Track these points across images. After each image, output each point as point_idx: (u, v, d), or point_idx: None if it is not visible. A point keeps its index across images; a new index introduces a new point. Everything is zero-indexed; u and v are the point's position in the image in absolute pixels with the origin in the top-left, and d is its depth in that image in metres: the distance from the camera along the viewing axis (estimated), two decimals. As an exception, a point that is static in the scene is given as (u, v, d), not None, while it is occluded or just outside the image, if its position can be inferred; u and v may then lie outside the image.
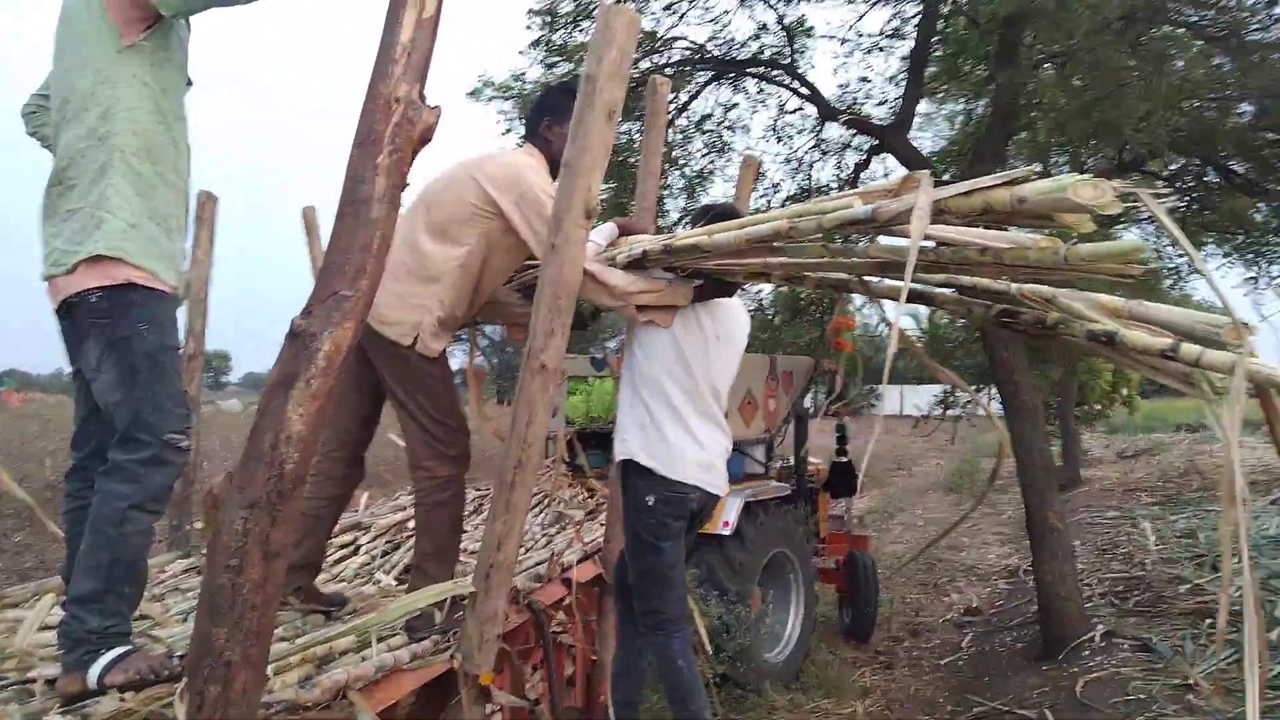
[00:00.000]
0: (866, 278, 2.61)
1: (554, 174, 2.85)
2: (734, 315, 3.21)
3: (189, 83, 2.36)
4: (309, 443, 1.71)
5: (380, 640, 2.47)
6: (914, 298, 2.59)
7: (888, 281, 2.63)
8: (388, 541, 4.08)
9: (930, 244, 2.08)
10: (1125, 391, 16.68)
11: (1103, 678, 4.85)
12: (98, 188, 2.12)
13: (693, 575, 5.08)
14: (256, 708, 1.69)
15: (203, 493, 1.73)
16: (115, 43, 2.13)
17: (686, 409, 2.99)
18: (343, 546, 4.02)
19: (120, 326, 2.11)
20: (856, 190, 2.46)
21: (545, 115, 3.17)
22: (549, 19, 7.35)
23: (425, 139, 1.94)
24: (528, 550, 4.01)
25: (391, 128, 1.87)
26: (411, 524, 4.44)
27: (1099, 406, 16.40)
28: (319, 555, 3.19)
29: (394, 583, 3.57)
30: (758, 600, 5.77)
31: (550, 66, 7.60)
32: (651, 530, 2.95)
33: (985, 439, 20.08)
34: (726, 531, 5.49)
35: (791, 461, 6.92)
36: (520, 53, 7.65)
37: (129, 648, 2.06)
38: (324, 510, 3.07)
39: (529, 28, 7.54)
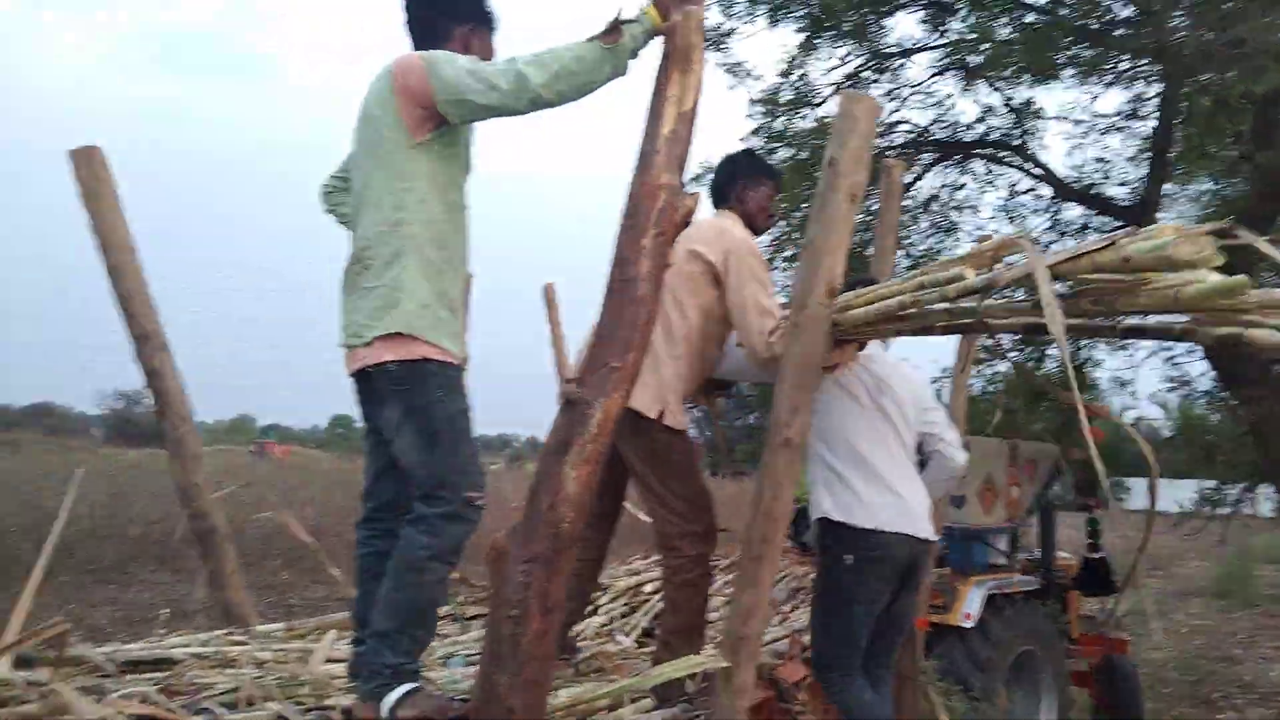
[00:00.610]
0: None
1: (754, 232, 3.11)
2: (886, 362, 3.23)
3: (469, 170, 2.57)
4: (582, 503, 1.84)
5: (632, 702, 2.53)
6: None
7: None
8: (625, 604, 4.18)
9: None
10: None
11: None
12: (392, 271, 2.34)
13: (935, 665, 4.84)
14: (534, 753, 1.79)
15: (485, 550, 1.88)
16: (408, 140, 2.36)
17: (874, 457, 2.99)
18: (582, 609, 4.16)
19: (418, 395, 2.32)
20: (961, 257, 2.67)
21: (739, 178, 3.24)
22: (770, 107, 7.58)
23: (685, 222, 2.08)
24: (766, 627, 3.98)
25: (655, 212, 2.02)
26: (647, 588, 4.57)
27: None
28: (576, 616, 3.38)
29: (634, 645, 3.66)
30: (1004, 700, 5.39)
31: (771, 152, 7.80)
32: (849, 589, 2.93)
33: (1259, 541, 17.93)
34: (968, 624, 5.20)
35: (1038, 554, 6.48)
36: (740, 140, 7.91)
37: (416, 685, 2.24)
38: (584, 570, 3.18)
39: (749, 116, 7.82)
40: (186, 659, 2.72)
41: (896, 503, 2.95)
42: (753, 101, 7.66)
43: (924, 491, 3.12)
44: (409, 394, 2.32)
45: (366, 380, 2.41)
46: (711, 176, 3.43)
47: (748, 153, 3.58)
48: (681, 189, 2.07)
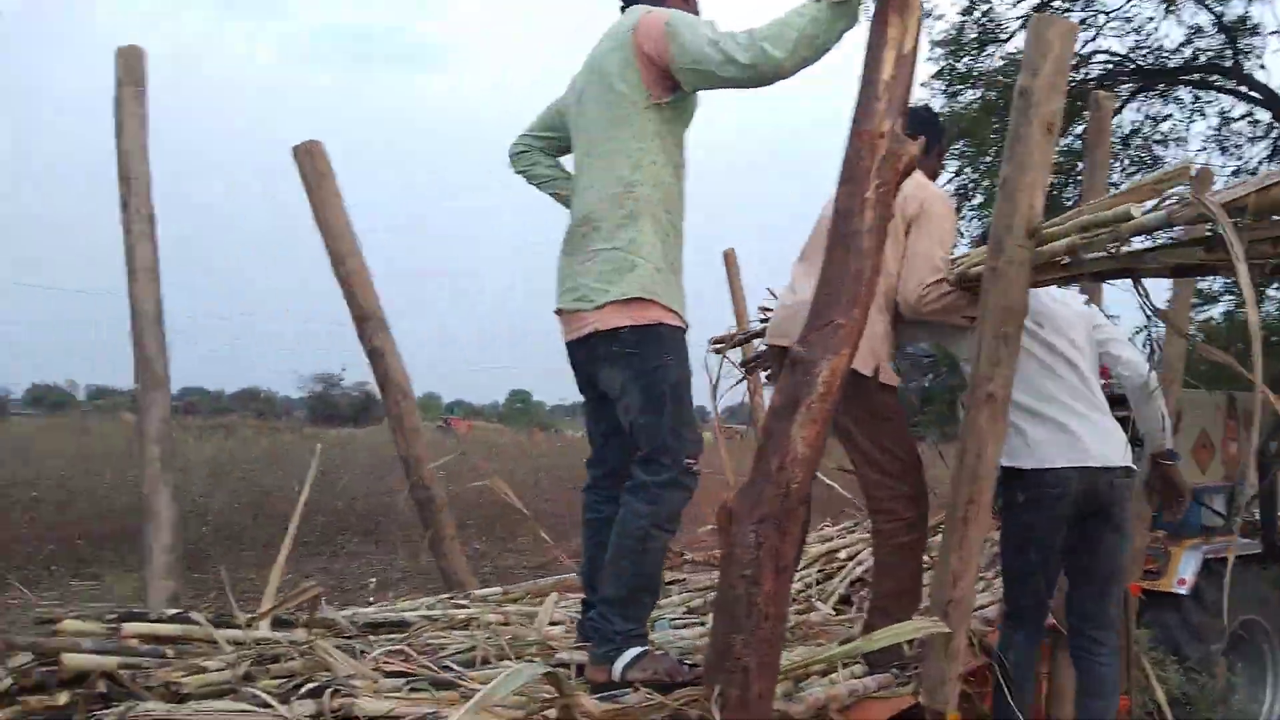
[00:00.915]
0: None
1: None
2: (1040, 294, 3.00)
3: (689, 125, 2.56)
4: (811, 463, 1.81)
5: (845, 667, 2.51)
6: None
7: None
8: (820, 570, 4.14)
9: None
10: None
11: None
12: (627, 233, 2.35)
13: (1147, 634, 4.58)
14: (770, 712, 1.79)
15: (716, 510, 1.88)
16: (646, 100, 2.35)
17: (1040, 395, 2.96)
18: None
19: (650, 358, 2.34)
20: (1120, 193, 2.58)
21: (925, 135, 3.08)
22: (955, 48, 7.21)
23: (908, 171, 1.98)
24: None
25: (878, 162, 1.94)
26: (841, 554, 4.52)
27: None
28: None
29: (832, 612, 3.63)
30: (1223, 672, 5.05)
31: (953, 95, 7.44)
32: (1022, 532, 3.00)
33: None
34: (1183, 590, 4.89)
35: (1259, 515, 6.00)
36: (922, 84, 7.57)
37: (645, 648, 2.30)
38: None
39: (931, 59, 7.47)
40: (420, 621, 2.89)
41: (1062, 437, 2.93)
42: (934, 43, 7.31)
43: (1106, 420, 3.05)
44: (640, 358, 2.34)
45: (587, 343, 2.42)
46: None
47: (928, 109, 3.66)
48: (903, 136, 1.97)
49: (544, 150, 2.71)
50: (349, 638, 2.51)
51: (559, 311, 2.50)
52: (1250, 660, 5.35)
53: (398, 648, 2.38)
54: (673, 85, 2.36)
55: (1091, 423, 3.00)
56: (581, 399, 2.73)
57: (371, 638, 2.59)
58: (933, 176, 3.19)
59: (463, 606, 3.19)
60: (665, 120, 2.39)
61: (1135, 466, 3.15)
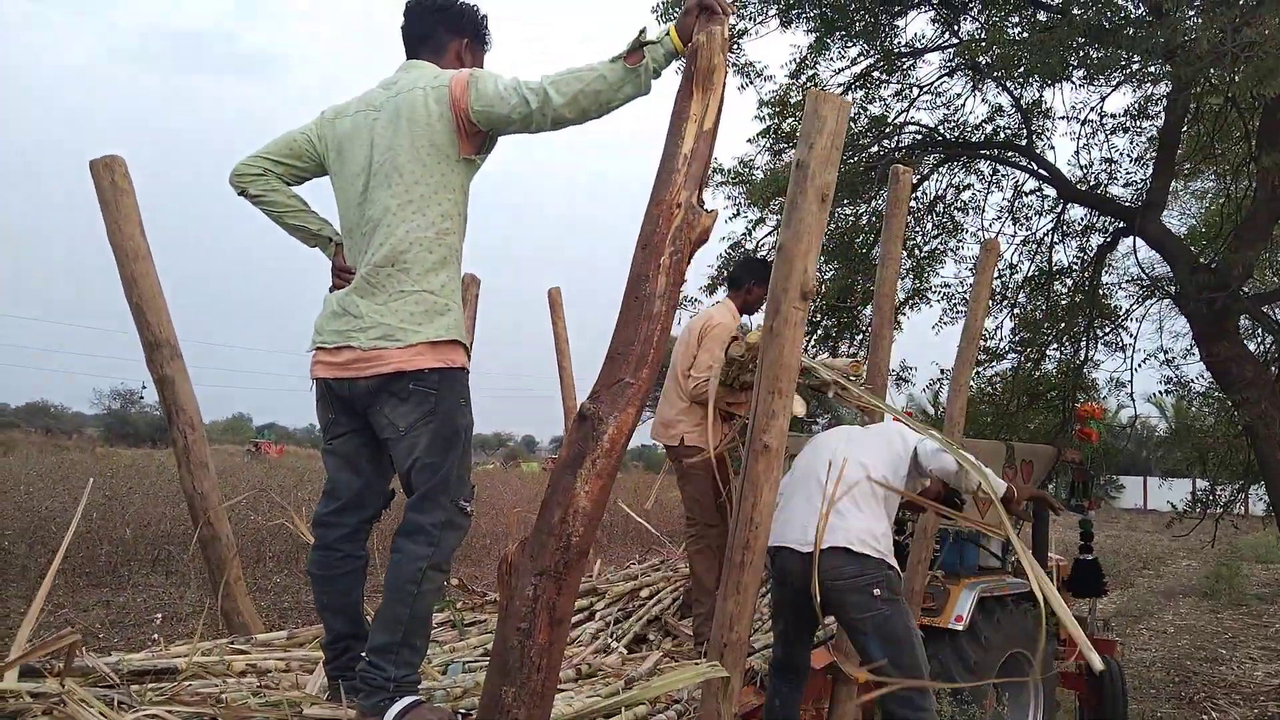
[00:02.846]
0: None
1: (747, 313, 4.40)
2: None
3: None
4: (593, 517, 1.86)
5: (627, 710, 2.57)
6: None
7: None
8: (620, 610, 4.22)
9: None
10: None
11: None
12: (438, 278, 2.43)
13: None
14: (539, 764, 1.82)
15: (498, 564, 1.91)
16: (456, 153, 2.44)
17: (787, 490, 3.41)
18: (579, 610, 4.19)
19: (449, 400, 2.40)
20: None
21: (751, 277, 4.39)
22: (778, 109, 7.56)
23: (702, 240, 2.09)
24: (757, 630, 4.03)
25: (673, 231, 2.04)
26: (643, 593, 4.63)
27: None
28: None
29: (625, 651, 3.70)
30: (991, 702, 5.45)
31: (777, 154, 7.80)
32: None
33: (1246, 541, 18.02)
34: (959, 626, 5.25)
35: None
36: (749, 141, 7.90)
37: (418, 698, 2.27)
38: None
39: (758, 118, 7.80)
40: (191, 669, 2.73)
41: (780, 517, 3.22)
42: (762, 103, 7.65)
43: (853, 513, 3.28)
44: (438, 399, 2.39)
45: (376, 381, 2.41)
46: (734, 266, 4.88)
47: (764, 262, 4.61)
48: (699, 207, 2.08)
49: (282, 178, 2.65)
50: (109, 687, 2.36)
51: (338, 348, 2.45)
52: (1016, 689, 5.79)
53: (159, 701, 2.26)
54: (481, 140, 2.47)
55: (812, 508, 3.21)
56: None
57: (135, 688, 2.44)
58: (746, 311, 4.39)
59: (242, 652, 3.05)
60: (470, 174, 2.52)
61: (871, 555, 3.21)
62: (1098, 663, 3.79)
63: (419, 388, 2.39)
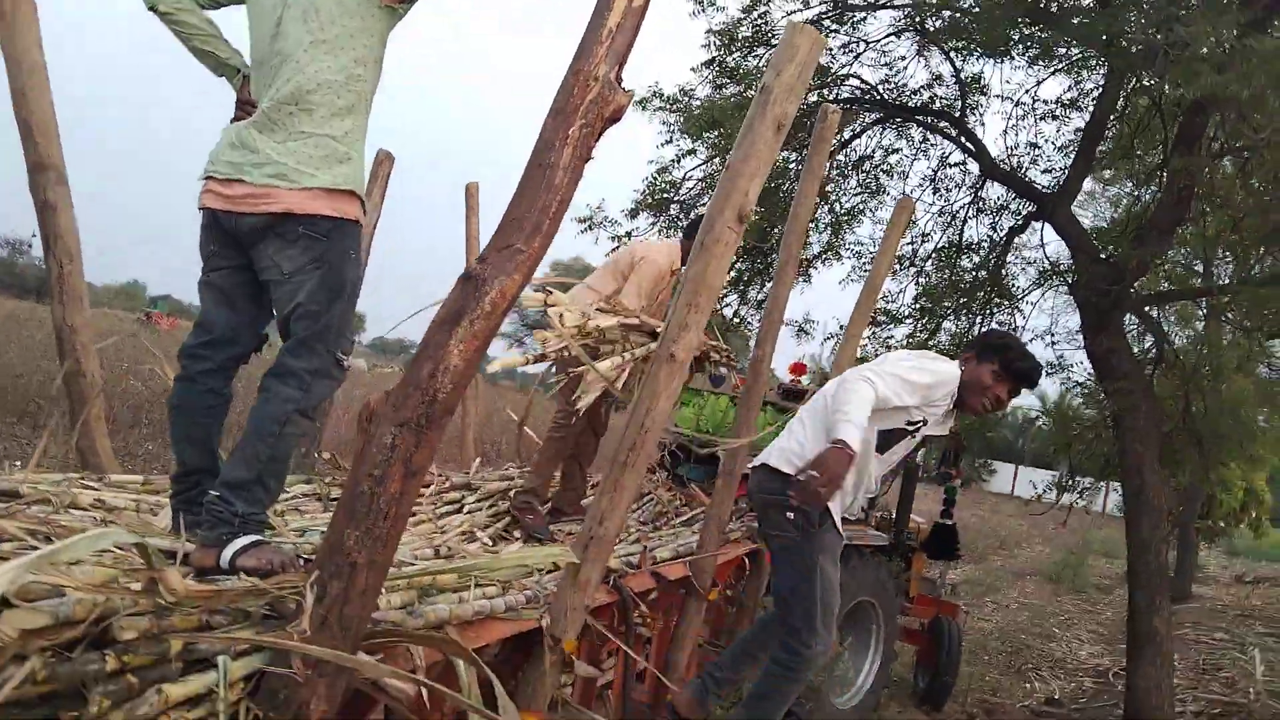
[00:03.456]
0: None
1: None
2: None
3: None
4: (463, 377, 1.83)
5: (477, 587, 2.58)
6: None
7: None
8: (491, 507, 4.23)
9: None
10: (1255, 514, 15.74)
11: (1185, 796, 4.61)
12: (343, 123, 2.35)
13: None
14: (371, 609, 1.81)
15: (360, 410, 1.87)
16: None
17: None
18: (450, 503, 4.19)
19: (337, 249, 2.35)
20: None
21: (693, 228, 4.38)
22: (727, 41, 7.47)
23: (615, 118, 2.04)
24: (623, 540, 4.09)
25: (586, 103, 1.98)
26: (512, 493, 4.66)
27: (1224, 524, 15.50)
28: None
29: (489, 541, 3.73)
30: (835, 644, 5.68)
31: (719, 87, 7.72)
32: None
33: (1096, 535, 19.16)
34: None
35: (893, 515, 6.81)
36: (692, 69, 7.79)
37: (261, 538, 2.23)
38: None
39: (705, 46, 7.69)
40: (35, 494, 2.63)
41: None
42: (709, 32, 7.53)
43: (789, 431, 3.44)
44: (327, 246, 2.33)
45: (265, 219, 2.33)
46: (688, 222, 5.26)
47: None
48: (617, 85, 2.03)
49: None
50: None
51: (229, 180, 2.35)
52: (860, 634, 6.06)
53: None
54: None
55: (789, 430, 3.36)
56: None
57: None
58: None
59: (91, 488, 2.94)
60: (390, 23, 2.44)
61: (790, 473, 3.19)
62: None
63: (308, 232, 2.33)
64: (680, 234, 5.16)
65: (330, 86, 2.34)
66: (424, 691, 1.97)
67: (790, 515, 3.16)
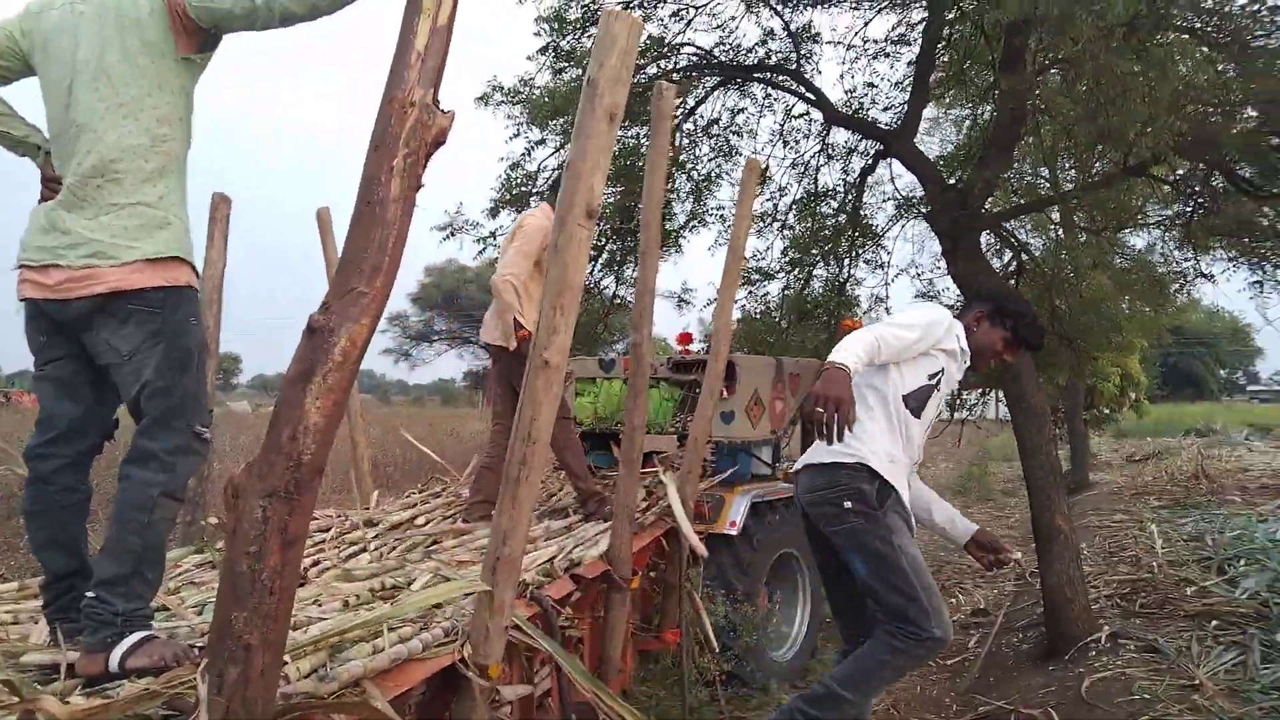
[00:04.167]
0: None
1: None
2: None
3: None
4: (326, 435, 1.77)
5: (390, 630, 2.52)
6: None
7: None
8: (396, 539, 4.14)
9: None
10: (1134, 396, 16.70)
11: (1108, 678, 4.87)
12: (155, 188, 2.24)
13: (703, 573, 5.15)
14: (275, 688, 1.75)
15: (222, 484, 1.79)
16: (173, 52, 2.25)
17: None
18: (353, 544, 4.08)
19: (177, 320, 2.25)
20: None
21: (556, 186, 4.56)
22: (557, 25, 7.41)
23: (439, 142, 2.00)
24: (536, 548, 4.06)
25: (406, 131, 1.93)
26: (420, 520, 4.58)
27: (1107, 410, 16.41)
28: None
29: (403, 582, 3.64)
30: (765, 600, 5.82)
31: (558, 72, 7.66)
32: None
33: (994, 443, 20.04)
34: (733, 531, 5.54)
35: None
36: (528, 58, 7.72)
37: (150, 633, 2.13)
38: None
39: (537, 34, 7.62)
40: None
41: None
42: (539, 19, 7.46)
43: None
44: (166, 320, 2.23)
45: (92, 302, 2.21)
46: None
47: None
48: (436, 107, 1.98)
49: None
50: None
51: (45, 267, 2.23)
52: (787, 588, 6.21)
53: None
54: (202, 39, 2.29)
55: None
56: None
57: None
58: None
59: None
60: (192, 75, 2.34)
61: (842, 460, 3.12)
62: (701, 549, 4.13)
63: (140, 308, 2.23)
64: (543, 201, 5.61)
65: (135, 151, 2.23)
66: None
67: (848, 504, 3.03)
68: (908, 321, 3.25)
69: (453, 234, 7.57)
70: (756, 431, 6.26)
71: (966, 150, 7.94)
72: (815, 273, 7.93)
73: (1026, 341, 3.53)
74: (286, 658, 2.11)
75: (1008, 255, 7.82)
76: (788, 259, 7.97)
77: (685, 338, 7.09)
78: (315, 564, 3.55)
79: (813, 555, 3.53)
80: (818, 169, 8.28)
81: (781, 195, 8.33)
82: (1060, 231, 8.38)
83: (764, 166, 7.71)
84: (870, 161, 7.97)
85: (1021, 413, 6.25)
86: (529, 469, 2.65)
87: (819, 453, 3.21)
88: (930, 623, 2.92)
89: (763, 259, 8.03)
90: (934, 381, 3.27)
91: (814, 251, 7.82)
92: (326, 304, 1.85)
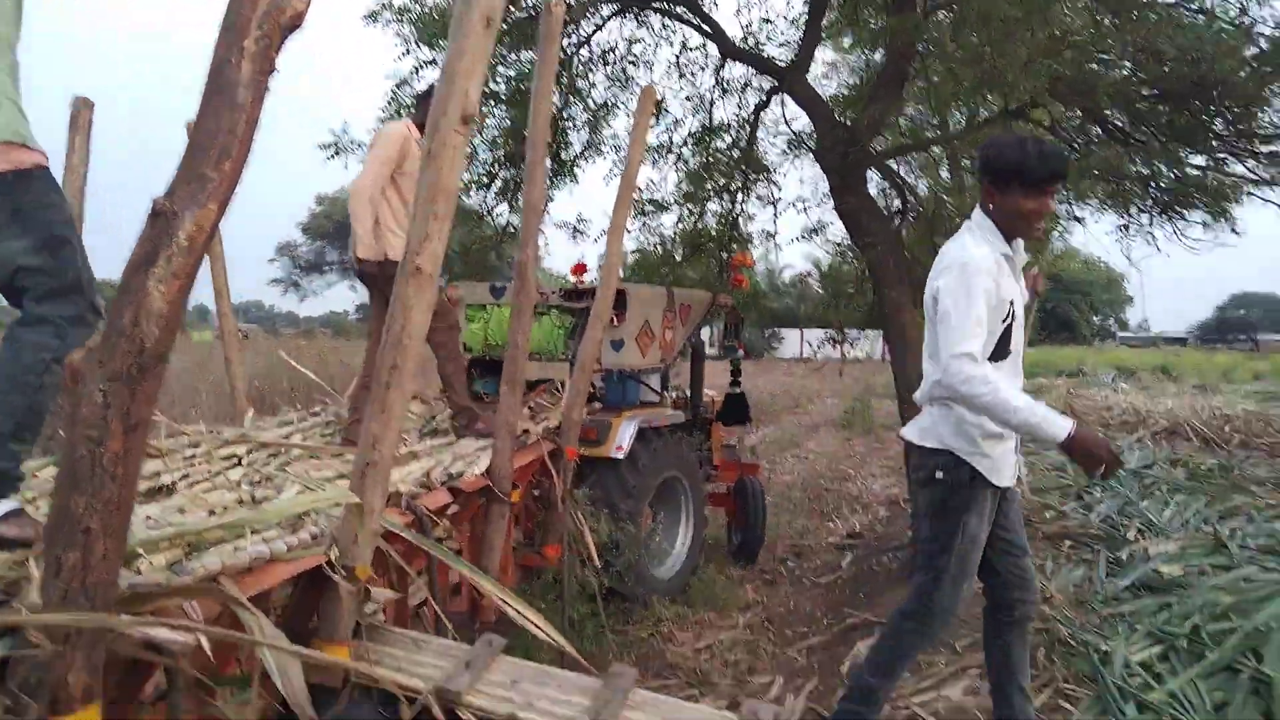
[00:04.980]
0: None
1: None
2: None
3: None
4: (170, 321, 1.74)
5: (255, 532, 2.51)
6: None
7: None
8: (270, 455, 4.08)
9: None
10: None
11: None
12: None
13: (587, 494, 5.25)
14: (116, 574, 1.73)
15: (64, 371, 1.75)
16: None
17: None
18: (225, 459, 4.01)
19: (34, 200, 2.17)
20: None
21: (426, 97, 4.59)
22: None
23: (294, 25, 1.94)
24: (417, 459, 4.07)
25: (259, 14, 1.87)
26: (295, 438, 4.51)
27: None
28: None
29: (275, 493, 3.61)
30: (648, 520, 5.96)
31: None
32: None
33: (877, 379, 20.75)
34: (619, 455, 5.64)
35: (687, 391, 7.12)
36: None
37: (18, 506, 2.11)
38: None
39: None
40: None
41: None
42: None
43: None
44: (23, 199, 2.16)
45: None
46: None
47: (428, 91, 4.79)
48: (288, -9, 1.92)
49: None
50: None
51: None
52: (670, 510, 6.38)
53: None
54: None
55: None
56: None
57: None
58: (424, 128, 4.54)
59: None
60: None
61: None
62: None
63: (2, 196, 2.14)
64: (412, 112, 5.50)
65: None
66: (206, 645, 1.92)
67: (939, 475, 2.98)
68: (967, 292, 2.84)
69: (338, 152, 7.35)
70: (646, 360, 6.35)
71: (858, 90, 8.06)
72: (710, 207, 8.00)
73: (1040, 174, 2.89)
74: (139, 550, 2.10)
75: (893, 195, 8.03)
76: (682, 192, 8.01)
77: (580, 268, 7.09)
78: (185, 477, 3.48)
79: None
80: (712, 103, 8.31)
81: (677, 127, 8.34)
82: (949, 174, 8.63)
83: (659, 98, 7.69)
84: (764, 97, 8.03)
85: (900, 347, 6.49)
86: (399, 375, 2.65)
87: (910, 430, 3.16)
88: (939, 594, 2.98)
89: (658, 191, 8.06)
90: (1008, 318, 2.95)
91: (708, 186, 7.87)
92: (172, 188, 1.80)
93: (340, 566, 2.60)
